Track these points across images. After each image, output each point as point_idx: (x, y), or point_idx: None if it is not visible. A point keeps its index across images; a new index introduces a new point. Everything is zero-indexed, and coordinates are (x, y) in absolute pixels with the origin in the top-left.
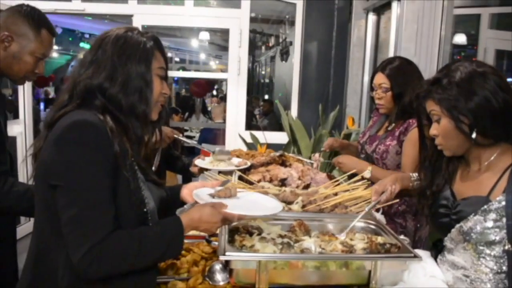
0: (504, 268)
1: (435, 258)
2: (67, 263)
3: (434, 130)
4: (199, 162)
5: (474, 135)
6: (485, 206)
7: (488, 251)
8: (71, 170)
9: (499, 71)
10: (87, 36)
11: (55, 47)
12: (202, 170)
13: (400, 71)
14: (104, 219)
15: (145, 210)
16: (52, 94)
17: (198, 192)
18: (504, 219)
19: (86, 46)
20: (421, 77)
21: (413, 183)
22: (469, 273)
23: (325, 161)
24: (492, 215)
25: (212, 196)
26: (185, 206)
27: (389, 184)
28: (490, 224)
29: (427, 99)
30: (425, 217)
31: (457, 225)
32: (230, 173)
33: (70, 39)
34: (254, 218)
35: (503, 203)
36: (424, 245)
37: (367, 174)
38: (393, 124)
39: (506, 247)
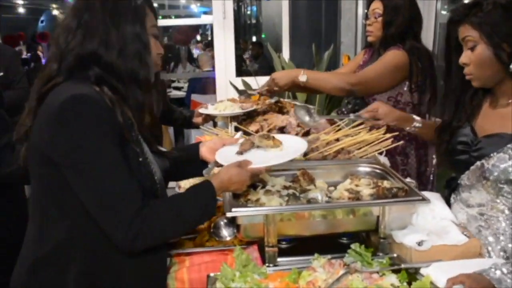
0: None
1: (449, 197)
2: (79, 243)
3: (466, 58)
4: (204, 110)
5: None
6: (510, 144)
7: (508, 189)
8: (81, 149)
9: None
10: None
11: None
12: (206, 119)
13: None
14: (132, 192)
15: (155, 181)
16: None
17: (221, 154)
18: None
19: None
20: (418, 12)
21: (413, 126)
22: (484, 211)
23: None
24: None
25: (240, 152)
26: (209, 166)
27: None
28: None
29: (462, 24)
30: (440, 154)
31: (478, 163)
32: (233, 119)
33: None
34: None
35: None
36: (431, 184)
37: (302, 78)
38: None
39: None
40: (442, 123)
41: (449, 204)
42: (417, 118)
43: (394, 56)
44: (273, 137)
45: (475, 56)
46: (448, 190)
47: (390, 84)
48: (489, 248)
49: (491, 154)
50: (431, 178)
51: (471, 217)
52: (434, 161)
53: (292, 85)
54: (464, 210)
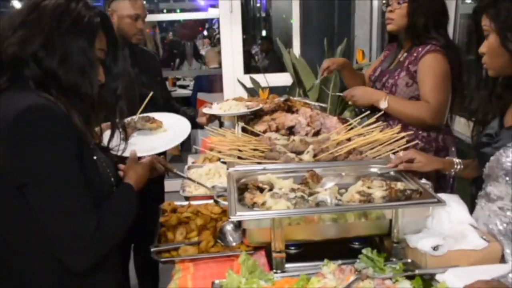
0: None
1: (475, 195)
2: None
3: (482, 47)
4: (207, 110)
5: None
6: None
7: None
8: (40, 166)
9: None
10: None
11: None
12: (211, 118)
13: None
14: (88, 209)
15: (112, 183)
16: None
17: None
18: None
19: None
20: (443, 1)
21: (455, 169)
22: (504, 205)
23: (335, 94)
24: None
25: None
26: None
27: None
28: None
29: (482, 14)
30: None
31: (497, 153)
32: (240, 119)
33: None
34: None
35: None
36: (450, 188)
37: (383, 105)
38: (405, 54)
39: None
40: (474, 116)
41: (474, 202)
42: (457, 160)
43: (439, 63)
44: (153, 118)
45: (487, 45)
46: (475, 188)
47: (449, 95)
48: (508, 244)
49: (508, 145)
50: (451, 182)
51: (492, 212)
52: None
53: (369, 106)
54: (487, 206)
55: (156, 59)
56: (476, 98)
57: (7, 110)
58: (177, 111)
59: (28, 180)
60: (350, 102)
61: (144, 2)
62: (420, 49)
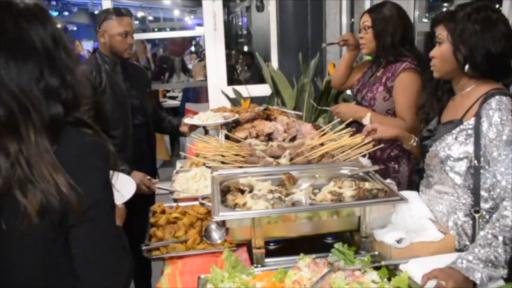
0: (470, 182)
1: (418, 184)
2: None
3: (434, 52)
4: (188, 120)
5: (466, 67)
6: (458, 127)
7: (455, 168)
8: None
9: (507, 20)
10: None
11: None
12: (192, 128)
13: (384, 10)
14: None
15: None
16: None
17: None
18: (472, 139)
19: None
20: (407, 19)
21: (410, 145)
22: (441, 189)
23: (322, 108)
24: (462, 135)
25: None
26: None
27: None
28: (459, 143)
29: (439, 24)
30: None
31: (433, 145)
32: (223, 127)
33: None
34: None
35: (472, 124)
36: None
37: (366, 121)
38: (382, 70)
39: (472, 164)
40: (425, 117)
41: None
42: (415, 137)
43: (412, 82)
44: None
45: (440, 51)
46: (418, 177)
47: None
48: (442, 221)
49: (443, 137)
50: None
51: (432, 197)
52: None
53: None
54: (426, 191)
55: (146, 72)
56: (423, 100)
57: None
58: (163, 120)
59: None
60: (335, 117)
61: (130, 20)
62: (396, 66)
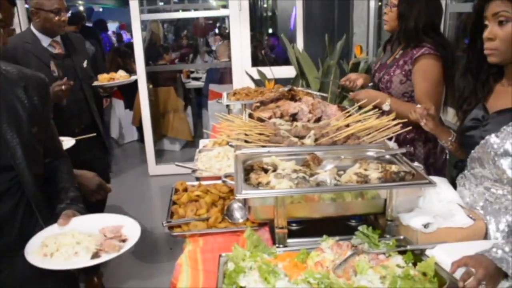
0: None
1: (455, 177)
2: None
3: (491, 33)
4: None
5: None
6: None
7: (508, 163)
8: None
9: None
10: None
11: None
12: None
13: None
14: None
15: None
16: None
17: None
18: None
19: None
20: (437, 5)
21: (448, 142)
22: (490, 185)
23: (344, 94)
24: None
25: None
26: None
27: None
28: None
29: (492, 1)
30: (457, 133)
31: (487, 137)
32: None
33: None
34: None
35: None
36: (439, 173)
37: (386, 107)
38: (400, 52)
39: None
40: (459, 102)
41: (455, 185)
42: (454, 133)
43: (432, 69)
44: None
45: (504, 32)
46: (456, 170)
47: (441, 98)
48: (492, 221)
49: (501, 129)
50: (442, 171)
51: (478, 194)
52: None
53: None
54: (473, 186)
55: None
56: (461, 86)
57: None
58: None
59: None
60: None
61: None
62: (415, 51)
